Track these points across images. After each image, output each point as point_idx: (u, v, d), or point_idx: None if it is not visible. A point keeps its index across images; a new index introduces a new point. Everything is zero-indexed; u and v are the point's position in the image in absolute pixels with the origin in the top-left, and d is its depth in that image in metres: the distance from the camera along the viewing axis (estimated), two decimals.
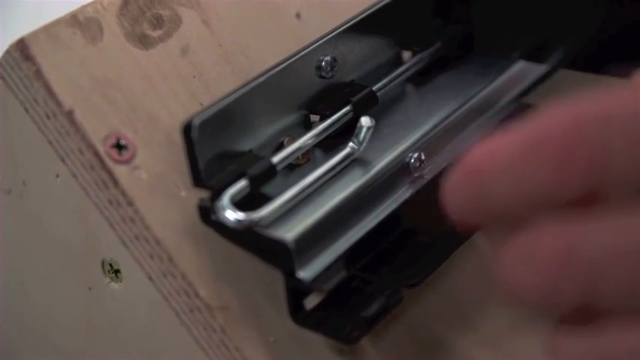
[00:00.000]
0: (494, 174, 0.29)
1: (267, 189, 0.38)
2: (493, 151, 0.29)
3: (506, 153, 0.29)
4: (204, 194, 0.37)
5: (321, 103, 0.41)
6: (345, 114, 0.41)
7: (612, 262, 0.29)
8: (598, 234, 0.29)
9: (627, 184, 0.28)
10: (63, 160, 0.38)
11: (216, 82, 0.41)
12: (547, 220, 0.29)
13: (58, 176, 0.38)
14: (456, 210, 0.30)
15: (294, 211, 0.37)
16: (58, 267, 0.40)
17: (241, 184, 0.37)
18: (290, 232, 0.36)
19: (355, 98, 0.41)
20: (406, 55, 0.46)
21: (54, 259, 0.40)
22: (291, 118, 0.40)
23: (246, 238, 0.36)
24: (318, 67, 0.41)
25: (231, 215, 0.36)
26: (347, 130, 0.40)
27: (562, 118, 0.28)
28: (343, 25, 0.42)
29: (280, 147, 0.40)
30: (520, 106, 0.46)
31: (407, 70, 0.44)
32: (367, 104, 0.41)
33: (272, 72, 0.39)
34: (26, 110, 0.38)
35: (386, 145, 0.41)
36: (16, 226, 0.41)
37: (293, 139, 0.40)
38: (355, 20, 0.42)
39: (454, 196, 0.29)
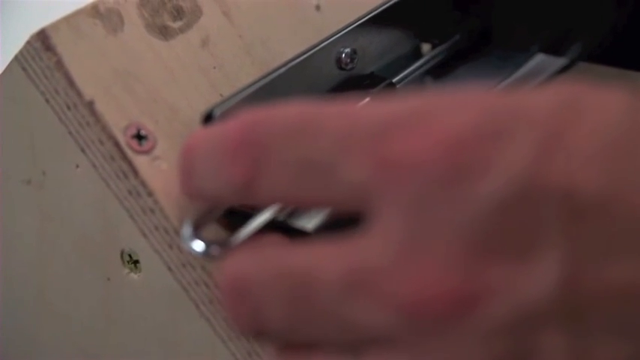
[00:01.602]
0: (196, 159, 0.33)
1: None
2: (197, 140, 0.33)
3: (204, 144, 0.33)
4: None
5: (341, 94, 0.41)
6: None
7: (270, 290, 0.31)
8: (262, 262, 0.32)
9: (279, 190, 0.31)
10: (83, 151, 0.38)
11: (236, 74, 0.41)
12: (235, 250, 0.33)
13: (78, 167, 0.38)
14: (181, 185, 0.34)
15: None
16: (76, 257, 0.40)
17: None
18: (310, 223, 0.36)
19: (374, 90, 0.41)
20: (425, 47, 0.46)
21: (73, 249, 0.40)
22: None
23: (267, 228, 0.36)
24: (338, 59, 0.41)
25: (198, 246, 0.34)
26: None
27: (241, 121, 0.32)
28: (363, 18, 0.42)
29: None
30: None
31: (426, 62, 0.44)
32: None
33: (292, 63, 0.39)
34: (47, 101, 0.38)
35: None
36: (35, 216, 0.41)
37: None
38: (375, 12, 0.42)
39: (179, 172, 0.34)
